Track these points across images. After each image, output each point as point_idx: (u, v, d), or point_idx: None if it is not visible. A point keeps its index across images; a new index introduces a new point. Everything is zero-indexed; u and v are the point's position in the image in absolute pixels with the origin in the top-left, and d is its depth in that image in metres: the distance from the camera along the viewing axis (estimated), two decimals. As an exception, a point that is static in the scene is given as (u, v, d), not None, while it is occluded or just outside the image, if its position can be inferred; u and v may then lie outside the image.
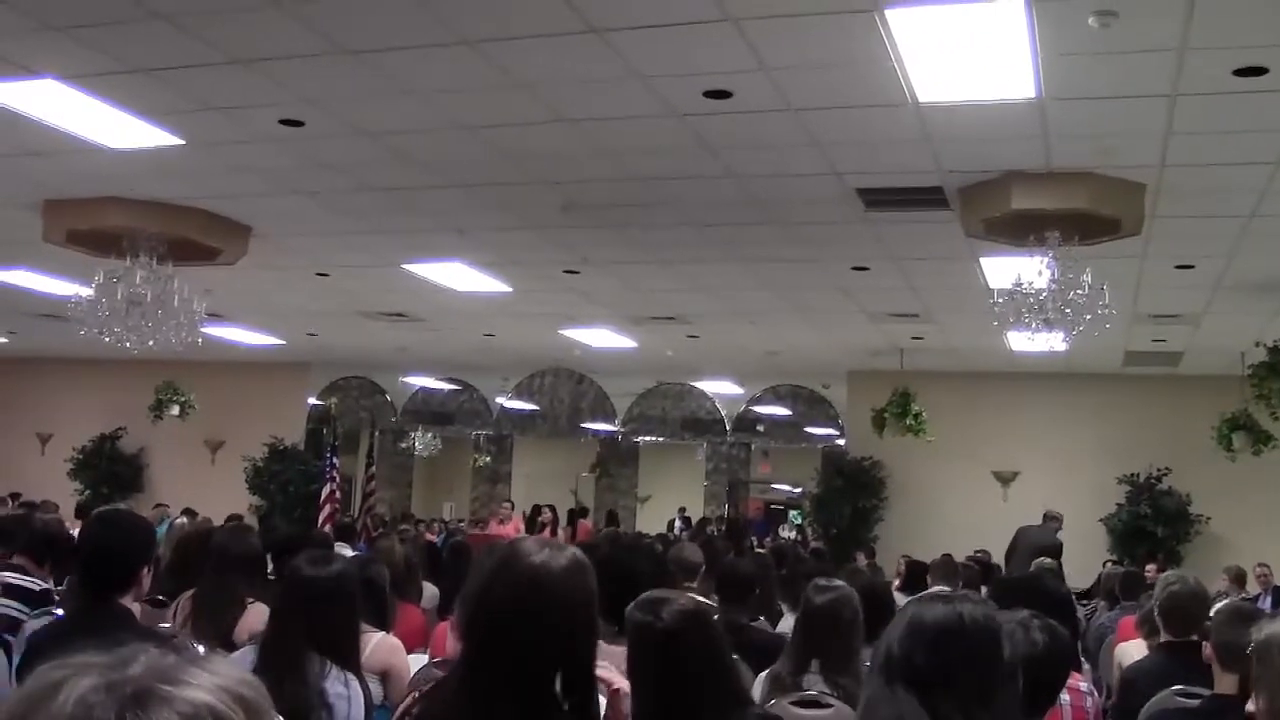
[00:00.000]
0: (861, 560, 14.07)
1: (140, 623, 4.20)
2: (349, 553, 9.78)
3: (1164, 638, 5.17)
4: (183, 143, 8.31)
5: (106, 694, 1.05)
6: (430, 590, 8.05)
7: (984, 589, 8.51)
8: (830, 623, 4.83)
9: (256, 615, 4.51)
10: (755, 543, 17.81)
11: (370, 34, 6.27)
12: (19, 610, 5.55)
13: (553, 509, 20.02)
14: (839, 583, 5.12)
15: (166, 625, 5.38)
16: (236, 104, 7.50)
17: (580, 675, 2.51)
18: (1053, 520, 14.74)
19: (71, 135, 8.20)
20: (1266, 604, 11.70)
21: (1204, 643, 4.43)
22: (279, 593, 4.13)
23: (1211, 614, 4.61)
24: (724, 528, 17.08)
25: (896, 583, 10.33)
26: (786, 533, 21.59)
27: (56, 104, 7.59)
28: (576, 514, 21.90)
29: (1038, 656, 3.16)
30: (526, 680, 2.43)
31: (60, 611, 5.50)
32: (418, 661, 5.17)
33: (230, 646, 4.58)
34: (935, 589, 8.23)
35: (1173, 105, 6.74)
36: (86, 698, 1.05)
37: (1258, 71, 6.17)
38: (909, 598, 8.11)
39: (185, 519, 14.64)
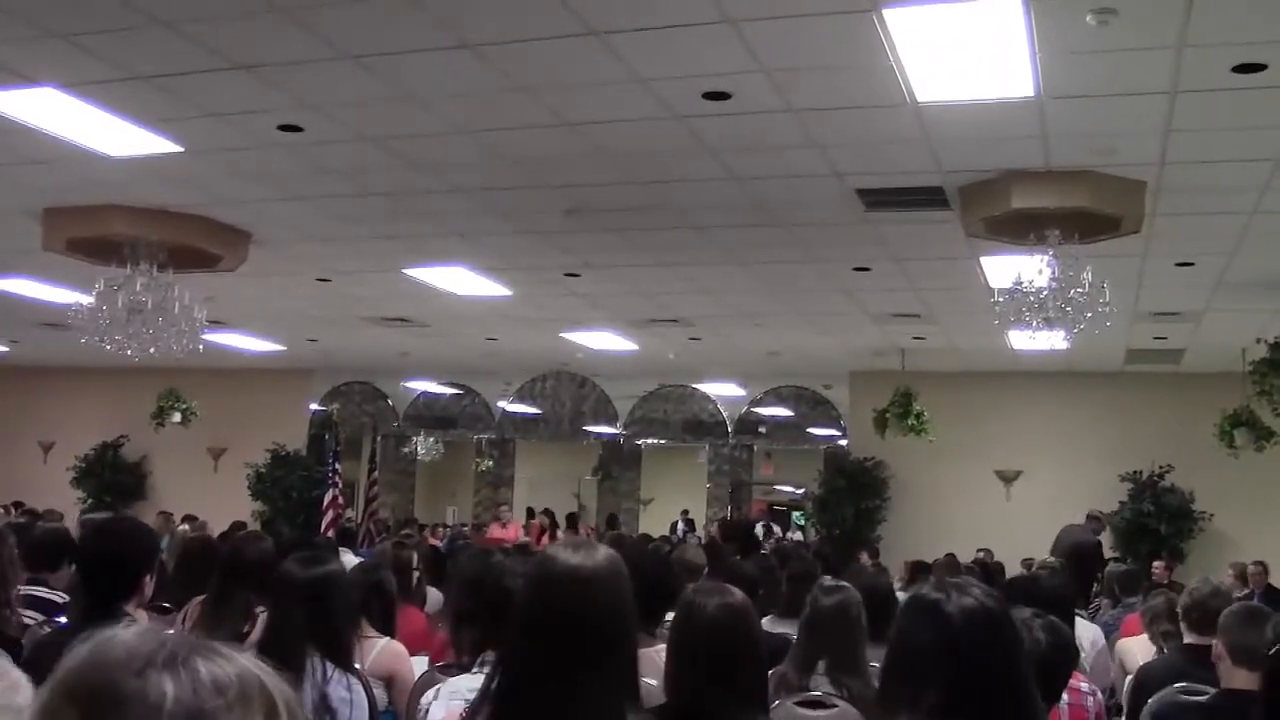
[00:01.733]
0: (865, 560, 14.06)
1: (142, 630, 4.18)
2: (351, 558, 9.80)
3: (1188, 639, 5.17)
4: (182, 149, 8.31)
5: (161, 645, 1.13)
6: (434, 595, 8.05)
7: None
8: (837, 623, 4.84)
9: (265, 626, 4.51)
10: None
11: (370, 39, 6.28)
12: (31, 618, 5.55)
13: (550, 513, 19.99)
14: (845, 584, 5.12)
15: (171, 633, 5.36)
16: (236, 110, 7.51)
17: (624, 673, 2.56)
18: (1094, 520, 14.83)
19: (71, 143, 8.21)
20: (1256, 601, 11.67)
21: (1214, 641, 4.43)
22: (272, 594, 4.14)
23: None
24: (727, 531, 17.02)
25: (899, 584, 10.33)
26: (774, 533, 21.47)
27: (56, 112, 7.60)
28: (575, 517, 21.86)
29: (1041, 655, 3.16)
30: (572, 682, 2.47)
31: (64, 620, 5.51)
32: (418, 663, 5.17)
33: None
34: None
35: (1172, 103, 6.74)
36: (144, 644, 1.12)
37: (1257, 68, 6.18)
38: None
39: (186, 526, 14.64)
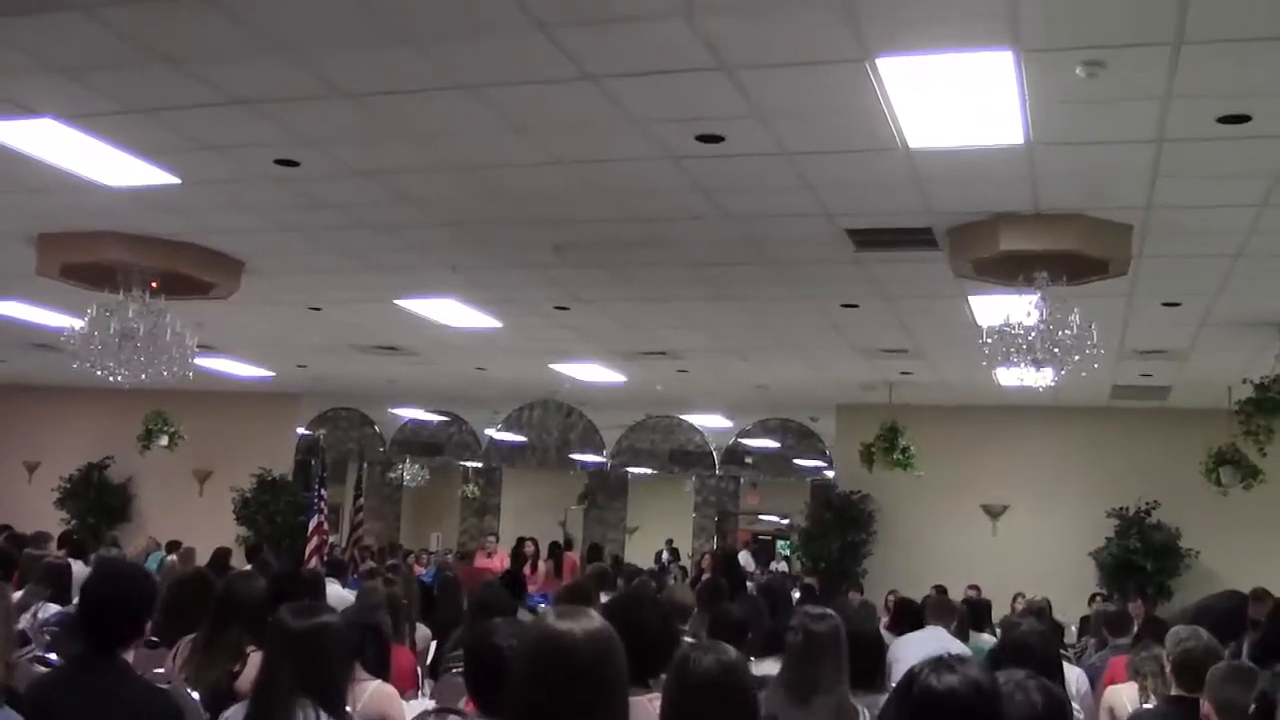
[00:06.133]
0: (854, 598, 14.07)
1: (136, 671, 4.23)
2: (339, 589, 9.81)
3: (1175, 691, 5.19)
4: (179, 181, 8.35)
5: None
6: (423, 631, 8.06)
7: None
8: (826, 651, 4.87)
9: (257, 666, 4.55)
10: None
11: (368, 78, 6.33)
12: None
13: (534, 541, 20.05)
14: (830, 611, 5.15)
15: (161, 670, 5.39)
16: (233, 144, 7.55)
17: None
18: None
19: (68, 173, 8.24)
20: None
21: (1200, 699, 4.49)
22: (266, 642, 4.17)
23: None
24: (714, 565, 17.01)
25: (885, 621, 10.31)
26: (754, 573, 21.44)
27: (55, 143, 7.63)
28: (560, 547, 21.89)
29: (1037, 717, 3.19)
30: None
31: (54, 656, 5.54)
32: (410, 705, 5.19)
33: (226, 696, 4.60)
34: (930, 629, 8.27)
35: (1159, 150, 6.82)
36: None
37: (1241, 119, 6.26)
38: (898, 638, 8.16)
39: (175, 557, 14.60)
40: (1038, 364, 8.63)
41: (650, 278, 10.61)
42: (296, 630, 3.98)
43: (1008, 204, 8.02)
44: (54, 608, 7.55)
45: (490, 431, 23.26)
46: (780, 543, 25.74)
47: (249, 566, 11.08)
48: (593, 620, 2.69)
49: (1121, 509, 16.50)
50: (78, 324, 10.10)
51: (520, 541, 19.81)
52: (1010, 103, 6.16)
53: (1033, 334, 8.38)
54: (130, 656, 4.19)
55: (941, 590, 13.03)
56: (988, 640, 9.62)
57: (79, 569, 10.80)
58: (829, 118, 6.57)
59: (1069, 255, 8.33)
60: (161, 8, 5.55)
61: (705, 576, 13.88)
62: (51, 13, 5.62)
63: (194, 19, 5.64)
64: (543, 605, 11.24)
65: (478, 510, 24.45)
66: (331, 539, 18.24)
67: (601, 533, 23.79)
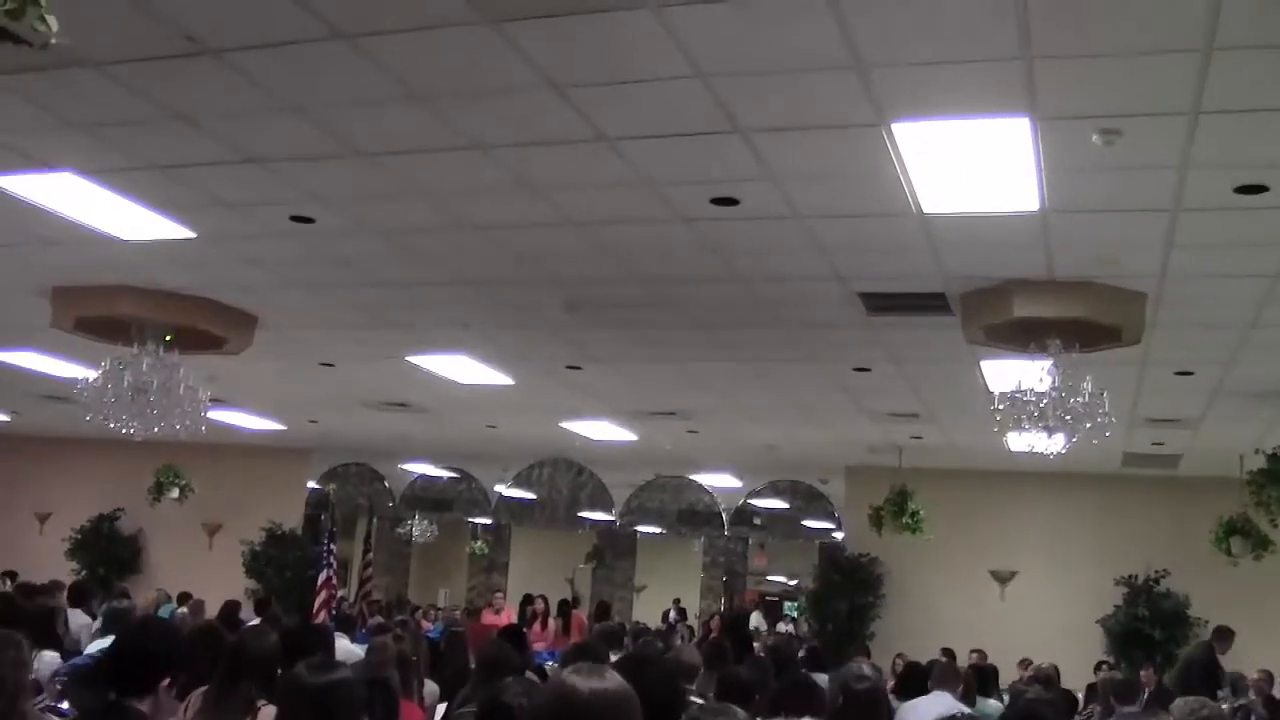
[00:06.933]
0: (862, 661, 13.95)
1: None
2: (349, 644, 9.77)
3: None
4: (194, 236, 8.39)
5: None
6: (431, 688, 8.01)
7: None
8: (864, 711, 4.87)
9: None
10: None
11: (383, 137, 6.37)
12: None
13: (544, 599, 20.02)
14: (869, 673, 5.16)
15: (171, 722, 5.37)
16: (249, 200, 7.59)
17: None
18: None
19: (85, 226, 8.28)
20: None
21: None
22: (280, 699, 4.18)
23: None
24: (723, 626, 16.93)
25: (891, 684, 10.23)
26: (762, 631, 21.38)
27: (72, 197, 7.68)
28: (569, 605, 21.85)
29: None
30: None
31: (66, 705, 5.52)
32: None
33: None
34: (935, 694, 8.22)
35: (1174, 220, 6.82)
36: None
37: (1258, 189, 6.26)
38: (904, 702, 8.11)
39: (185, 610, 14.59)
40: (1049, 431, 8.61)
41: (662, 338, 10.63)
42: (313, 686, 3.99)
43: (1022, 270, 8.02)
44: (48, 655, 7.51)
45: (500, 488, 23.24)
46: (788, 603, 25.63)
47: (259, 620, 11.04)
48: (609, 679, 2.67)
49: (1130, 577, 16.43)
50: (90, 375, 10.13)
51: (528, 599, 19.78)
52: (1026, 169, 6.17)
53: (1045, 401, 8.36)
54: (146, 706, 4.20)
55: (949, 654, 12.96)
56: (994, 706, 9.55)
57: (80, 618, 10.82)
58: (844, 182, 6.60)
59: (1082, 323, 8.32)
60: (175, 66, 5.58)
61: (712, 636, 13.82)
62: (68, 70, 5.66)
63: (209, 79, 5.68)
64: (550, 663, 11.21)
65: (486, 567, 24.40)
66: (340, 593, 18.18)
67: (609, 591, 23.73)
